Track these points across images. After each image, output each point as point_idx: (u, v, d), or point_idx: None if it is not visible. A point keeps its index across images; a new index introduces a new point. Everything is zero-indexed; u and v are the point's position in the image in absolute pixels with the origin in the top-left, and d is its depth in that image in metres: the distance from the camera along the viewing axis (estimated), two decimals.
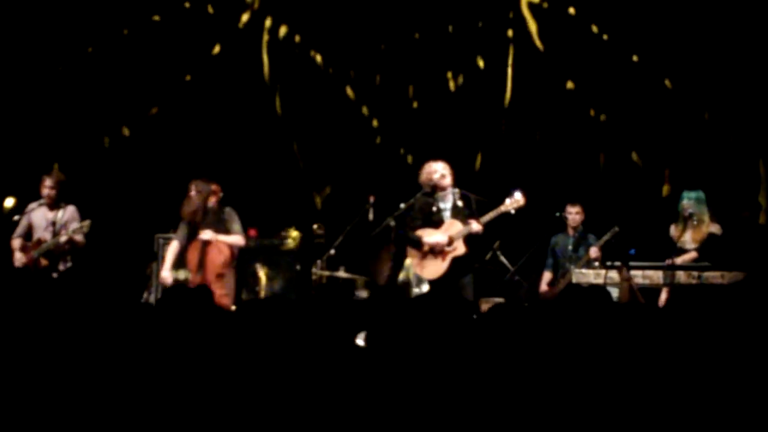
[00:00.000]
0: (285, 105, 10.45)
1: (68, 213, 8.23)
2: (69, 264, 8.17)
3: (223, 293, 7.66)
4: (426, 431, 3.20)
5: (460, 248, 7.62)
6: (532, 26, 10.07)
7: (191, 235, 7.97)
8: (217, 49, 10.39)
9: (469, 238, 7.62)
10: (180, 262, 8.55)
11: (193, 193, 7.97)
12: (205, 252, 7.85)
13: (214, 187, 8.04)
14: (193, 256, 7.91)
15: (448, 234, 7.63)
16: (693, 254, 7.98)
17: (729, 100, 9.52)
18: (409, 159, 10.14)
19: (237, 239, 8.03)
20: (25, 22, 9.96)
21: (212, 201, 7.99)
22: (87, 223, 8.03)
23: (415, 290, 8.87)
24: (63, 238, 8.04)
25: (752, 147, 9.51)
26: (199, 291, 4.36)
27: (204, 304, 4.07)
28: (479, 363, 3.51)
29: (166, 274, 8.02)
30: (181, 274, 8.88)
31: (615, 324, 3.75)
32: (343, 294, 8.69)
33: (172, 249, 8.10)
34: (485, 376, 3.43)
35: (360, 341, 4.03)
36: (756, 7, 9.36)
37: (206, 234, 7.86)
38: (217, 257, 7.87)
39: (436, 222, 7.73)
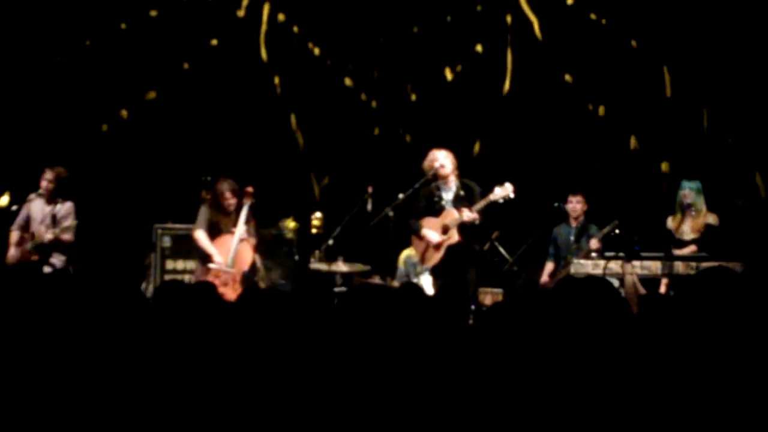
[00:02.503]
0: (283, 94, 10.44)
1: (65, 209, 8.19)
2: (62, 258, 8.15)
3: (241, 289, 7.75)
4: (423, 425, 3.21)
5: (454, 236, 7.66)
6: (531, 15, 10.06)
7: (212, 229, 8.03)
8: (214, 39, 10.37)
9: (464, 227, 7.63)
10: (186, 253, 8.56)
11: (229, 193, 8.02)
12: (239, 248, 7.97)
13: (248, 189, 8.13)
14: (224, 249, 7.99)
15: (444, 223, 7.68)
16: (693, 247, 8.00)
17: (727, 92, 9.52)
18: (407, 138, 10.14)
19: (254, 241, 8.18)
20: (23, 14, 9.93)
21: (246, 202, 8.07)
22: (74, 223, 8.03)
23: (414, 280, 8.87)
24: (48, 236, 8.03)
25: (749, 139, 9.52)
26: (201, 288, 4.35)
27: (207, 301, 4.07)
28: (477, 357, 3.51)
29: (220, 259, 8.02)
30: (187, 264, 8.88)
31: (616, 315, 3.76)
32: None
33: (206, 238, 8.08)
34: (483, 369, 3.43)
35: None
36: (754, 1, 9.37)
37: (244, 233, 7.99)
38: (248, 255, 8.08)
39: (437, 210, 7.78)
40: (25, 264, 8.03)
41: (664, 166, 9.66)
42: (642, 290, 7.60)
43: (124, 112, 10.23)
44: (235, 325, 3.90)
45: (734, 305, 3.82)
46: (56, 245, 8.10)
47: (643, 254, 7.78)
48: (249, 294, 4.18)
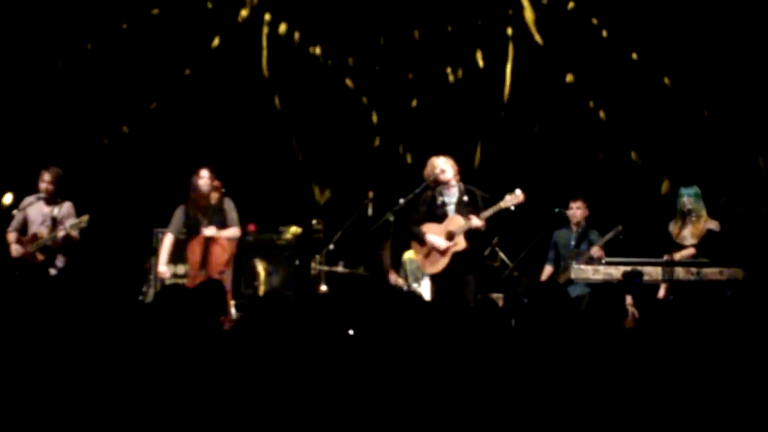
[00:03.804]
0: (284, 100, 10.44)
1: (65, 209, 8.23)
2: (65, 259, 8.17)
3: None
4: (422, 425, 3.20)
5: (460, 243, 7.59)
6: (530, 19, 10.08)
7: (192, 231, 8.01)
8: (216, 43, 10.37)
9: (470, 234, 7.60)
10: (178, 256, 8.54)
11: (202, 180, 8.00)
12: (208, 249, 7.91)
13: (216, 183, 8.10)
14: (194, 252, 7.94)
15: (449, 229, 7.60)
16: (691, 250, 7.98)
17: (728, 95, 9.51)
18: (409, 158, 10.12)
19: (235, 231, 8.11)
20: (24, 18, 9.94)
21: (215, 197, 8.04)
22: (85, 218, 8.04)
23: (414, 285, 8.86)
24: (60, 234, 8.05)
25: (751, 142, 9.51)
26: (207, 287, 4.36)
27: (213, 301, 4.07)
28: (476, 358, 3.51)
29: (164, 269, 8.04)
30: (180, 269, 8.88)
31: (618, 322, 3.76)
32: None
33: (168, 242, 8.12)
34: (481, 369, 3.42)
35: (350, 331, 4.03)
36: (755, 2, 9.37)
37: (210, 230, 7.91)
38: (222, 255, 7.95)
39: (439, 216, 7.71)
40: (32, 265, 8.04)
41: (665, 183, 9.66)
42: (637, 314, 7.62)
43: (124, 124, 10.24)
44: (234, 329, 3.90)
45: (726, 315, 3.82)
46: (65, 244, 8.12)
47: (644, 260, 7.78)
48: (252, 300, 4.20)
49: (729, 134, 9.57)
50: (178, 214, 8.15)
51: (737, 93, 9.49)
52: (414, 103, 10.35)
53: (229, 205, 8.13)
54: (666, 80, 9.72)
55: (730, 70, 9.46)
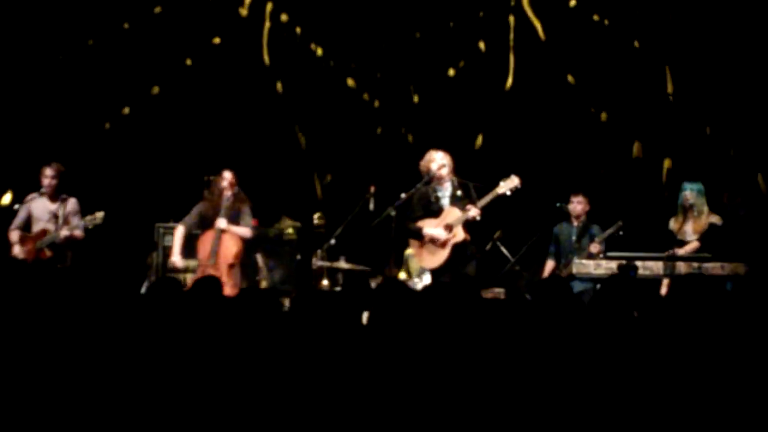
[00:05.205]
0: (286, 93, 10.44)
1: (70, 205, 8.23)
2: (72, 255, 8.17)
3: (231, 284, 7.74)
4: (425, 423, 3.20)
5: (459, 234, 7.59)
6: (533, 16, 10.07)
7: (204, 225, 8.06)
8: (217, 37, 10.37)
9: (469, 224, 7.59)
10: (188, 251, 8.57)
11: (224, 183, 8.09)
12: (219, 241, 7.96)
13: (232, 179, 8.15)
14: (205, 244, 8.02)
15: (446, 222, 7.60)
16: (695, 244, 7.98)
17: (730, 94, 9.51)
18: (410, 138, 10.13)
19: (246, 232, 8.15)
20: (26, 12, 9.93)
21: (227, 192, 8.09)
22: (101, 214, 8.07)
23: (416, 280, 8.85)
24: (66, 232, 8.04)
25: (751, 141, 9.52)
26: (207, 282, 4.36)
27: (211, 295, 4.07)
28: (482, 351, 3.51)
29: (177, 258, 8.08)
30: (191, 263, 8.90)
31: (619, 317, 3.76)
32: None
33: (180, 234, 8.17)
34: (486, 363, 3.42)
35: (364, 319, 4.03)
36: (756, 2, 9.37)
37: (222, 222, 7.98)
38: (232, 247, 8.02)
39: (435, 211, 7.70)
40: (40, 261, 8.03)
41: (666, 164, 9.66)
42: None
43: (126, 110, 10.24)
44: (231, 323, 3.90)
45: (724, 309, 3.82)
46: (70, 243, 8.12)
47: (646, 254, 7.78)
48: (247, 293, 4.19)
49: (730, 132, 9.57)
50: (194, 211, 8.20)
51: (739, 90, 9.49)
52: (416, 98, 10.34)
53: (245, 209, 8.19)
54: (667, 76, 9.72)
55: (732, 67, 9.45)
